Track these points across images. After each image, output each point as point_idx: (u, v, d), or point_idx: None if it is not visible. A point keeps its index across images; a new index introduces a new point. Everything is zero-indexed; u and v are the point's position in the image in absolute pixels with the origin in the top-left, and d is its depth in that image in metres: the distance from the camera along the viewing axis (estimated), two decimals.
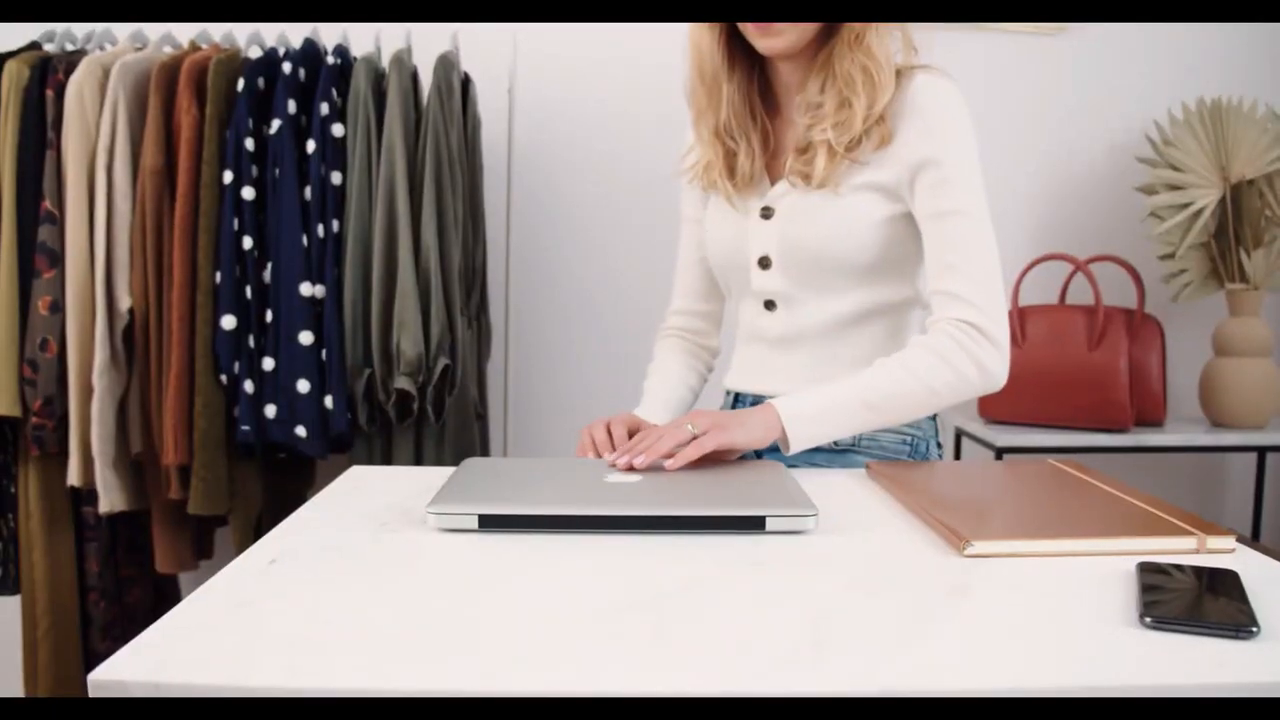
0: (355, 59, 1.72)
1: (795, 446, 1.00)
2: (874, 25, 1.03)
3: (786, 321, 1.14)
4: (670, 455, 0.93)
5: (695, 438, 0.94)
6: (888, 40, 1.05)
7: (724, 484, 0.89)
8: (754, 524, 0.79)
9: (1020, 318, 2.07)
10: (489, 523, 0.79)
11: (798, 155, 1.09)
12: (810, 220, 1.08)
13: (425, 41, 1.81)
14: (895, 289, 1.12)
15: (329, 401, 1.65)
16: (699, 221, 1.25)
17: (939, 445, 1.19)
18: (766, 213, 1.12)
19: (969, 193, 1.03)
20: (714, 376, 1.33)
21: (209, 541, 1.90)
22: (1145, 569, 0.67)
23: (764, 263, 1.13)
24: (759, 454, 1.18)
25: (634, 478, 0.90)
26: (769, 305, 1.15)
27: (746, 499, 0.83)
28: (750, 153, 1.13)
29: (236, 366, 1.64)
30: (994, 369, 1.03)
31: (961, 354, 1.02)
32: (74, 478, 1.66)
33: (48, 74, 1.66)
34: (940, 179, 1.02)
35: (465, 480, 0.89)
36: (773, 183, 1.13)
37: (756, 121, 1.14)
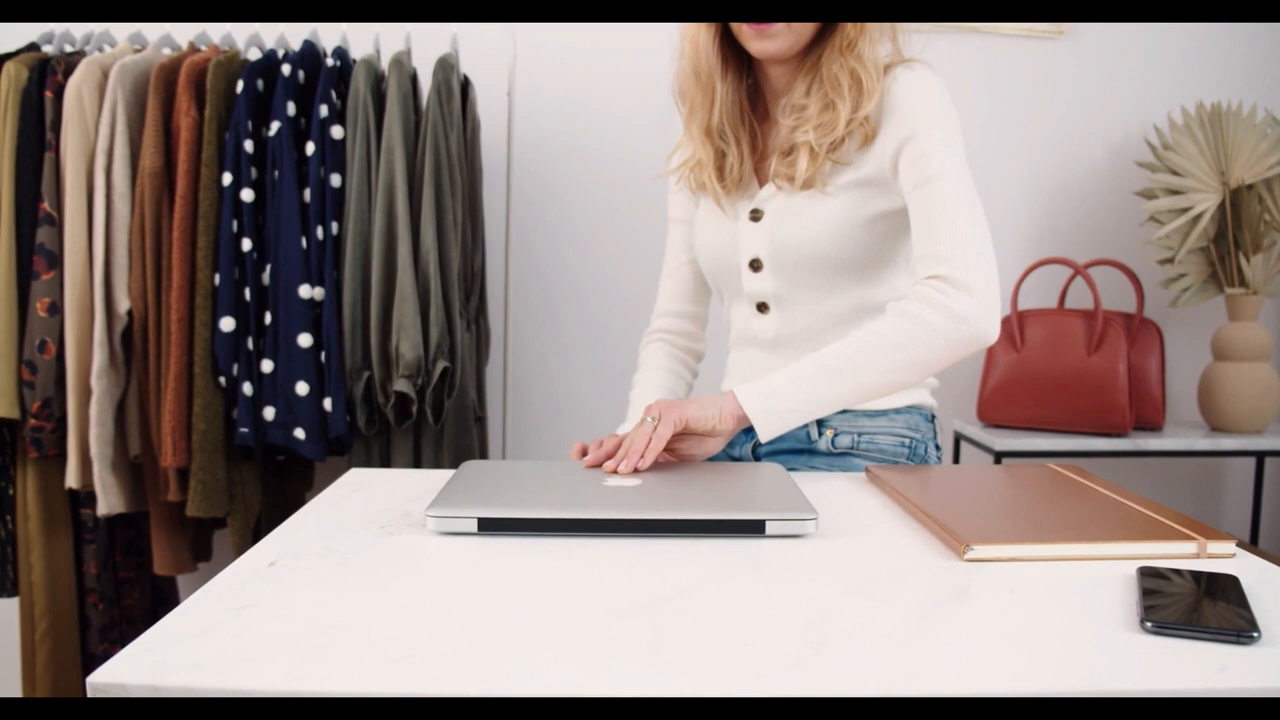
0: (354, 61, 1.72)
1: (762, 424, 0.99)
2: (866, 31, 1.03)
3: (780, 323, 1.14)
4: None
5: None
6: (879, 46, 1.05)
7: (724, 487, 0.89)
8: (754, 528, 0.79)
9: (1019, 321, 2.08)
10: (488, 526, 0.79)
11: (782, 157, 1.09)
12: (799, 221, 1.08)
13: (424, 43, 1.82)
14: (889, 287, 1.12)
15: (328, 404, 1.65)
16: (687, 223, 1.25)
17: (938, 448, 1.19)
18: (756, 215, 1.12)
19: (947, 159, 1.01)
20: (703, 380, 1.32)
21: (207, 544, 1.89)
22: (1145, 574, 0.67)
23: (755, 265, 1.13)
24: (758, 457, 1.18)
25: (633, 481, 0.90)
26: (762, 308, 1.15)
27: (746, 502, 0.83)
28: (739, 154, 1.13)
29: (235, 368, 1.64)
30: (969, 314, 0.98)
31: (926, 306, 0.99)
32: (72, 480, 1.66)
33: (46, 75, 1.66)
34: (918, 152, 1.02)
35: (464, 483, 0.89)
36: (761, 186, 1.13)
37: (745, 124, 1.15)
